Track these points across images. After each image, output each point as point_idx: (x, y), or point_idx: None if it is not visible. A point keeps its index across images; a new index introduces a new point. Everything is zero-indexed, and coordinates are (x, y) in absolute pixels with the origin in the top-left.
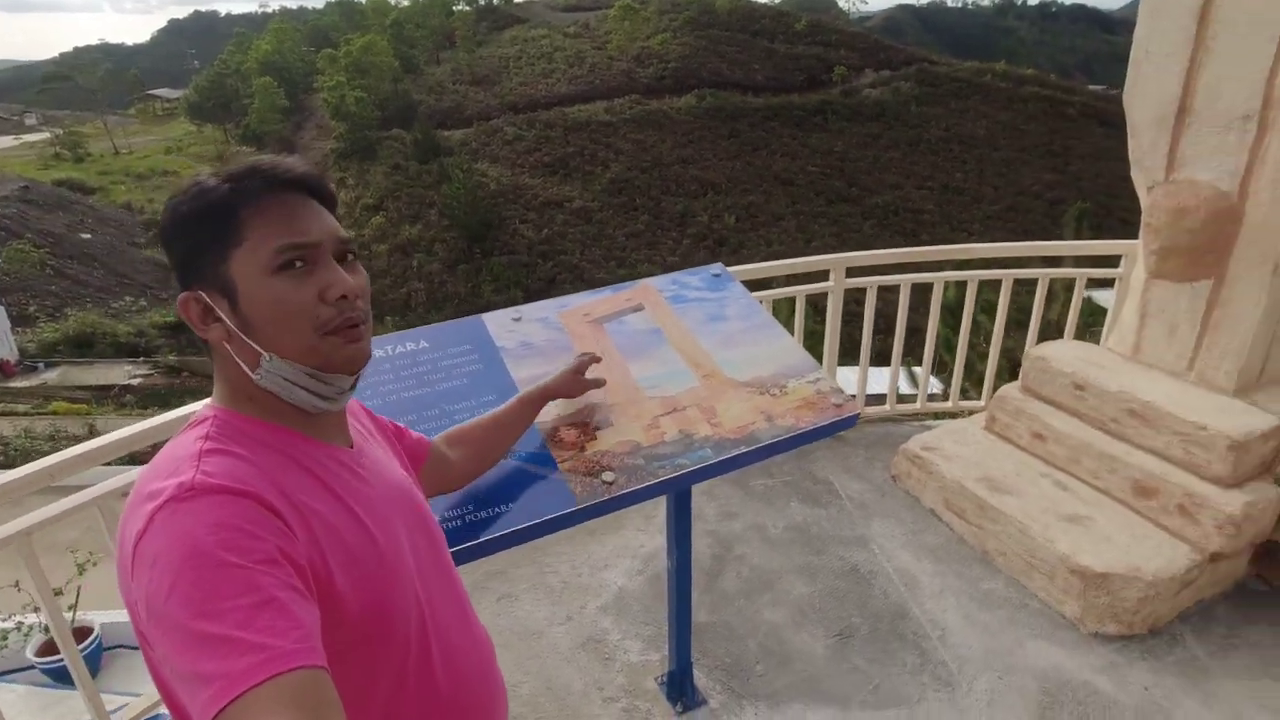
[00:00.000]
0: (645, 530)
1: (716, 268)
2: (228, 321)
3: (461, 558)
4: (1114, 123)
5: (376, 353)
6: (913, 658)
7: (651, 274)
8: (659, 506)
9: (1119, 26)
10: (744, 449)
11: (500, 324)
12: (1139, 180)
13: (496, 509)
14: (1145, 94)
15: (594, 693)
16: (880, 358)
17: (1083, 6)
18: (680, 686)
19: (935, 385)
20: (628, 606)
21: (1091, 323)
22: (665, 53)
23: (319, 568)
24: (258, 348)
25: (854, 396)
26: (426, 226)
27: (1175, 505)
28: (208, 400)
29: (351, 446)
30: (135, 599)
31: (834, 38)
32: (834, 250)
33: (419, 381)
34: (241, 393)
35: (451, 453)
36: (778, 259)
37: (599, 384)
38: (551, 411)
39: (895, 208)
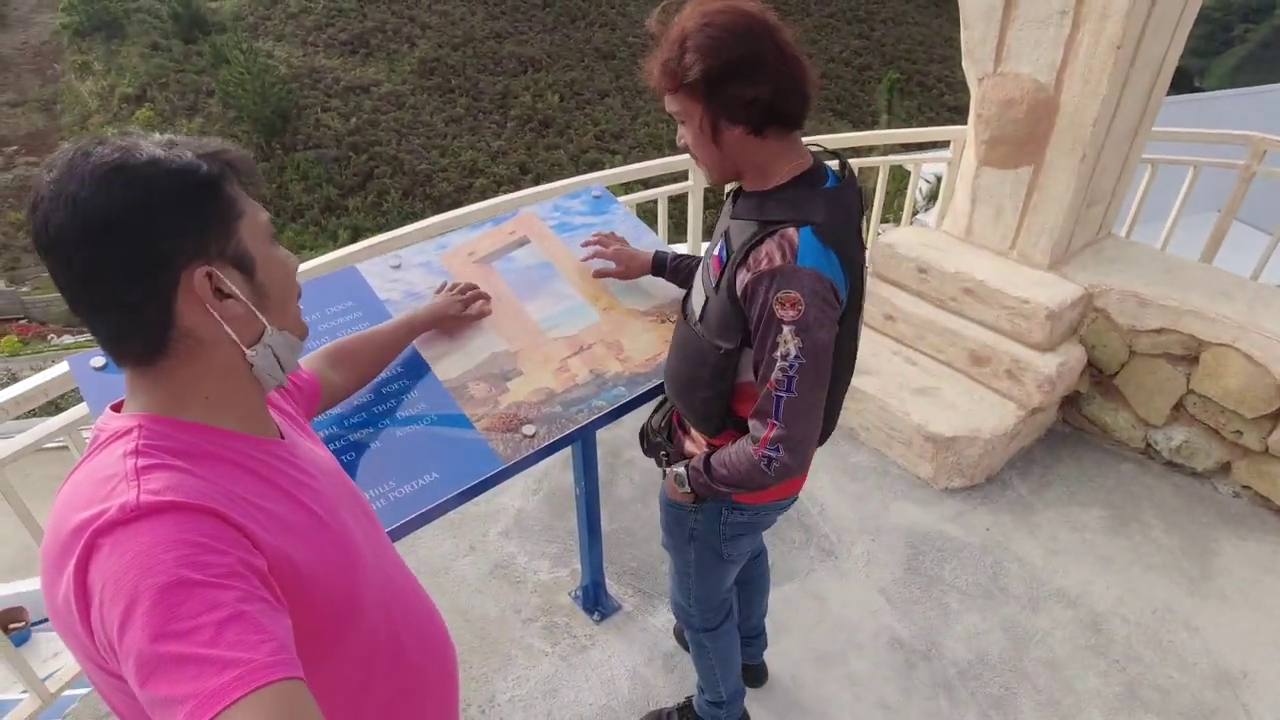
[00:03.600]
0: None
1: (597, 188)
2: (241, 296)
3: (394, 536)
4: None
5: None
6: (799, 534)
7: (477, 161)
8: None
9: None
10: (656, 382)
11: (378, 273)
12: (970, 71)
13: (420, 480)
14: None
15: (511, 616)
16: None
17: None
18: (595, 597)
19: None
20: (529, 528)
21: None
22: None
23: (286, 571)
24: (266, 321)
25: None
26: (209, 120)
27: (1004, 370)
28: (110, 412)
29: (281, 436)
30: (91, 638)
31: None
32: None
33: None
34: (195, 394)
35: (335, 375)
36: (605, 138)
37: (484, 314)
38: (455, 368)
39: None
